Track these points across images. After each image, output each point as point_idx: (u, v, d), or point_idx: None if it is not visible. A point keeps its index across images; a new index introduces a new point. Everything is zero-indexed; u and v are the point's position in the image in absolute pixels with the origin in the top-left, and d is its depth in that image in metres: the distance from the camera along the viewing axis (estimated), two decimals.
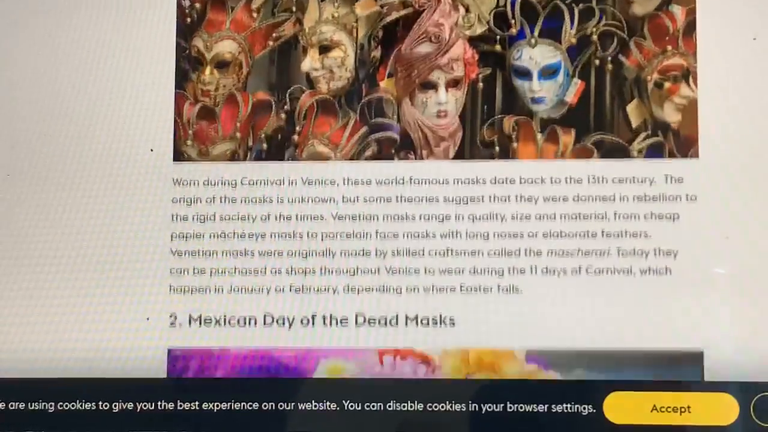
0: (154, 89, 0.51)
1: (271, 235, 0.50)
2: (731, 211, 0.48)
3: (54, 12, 0.52)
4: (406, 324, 0.49)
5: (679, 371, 0.48)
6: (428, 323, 0.49)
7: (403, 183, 0.50)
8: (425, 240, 0.49)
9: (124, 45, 0.51)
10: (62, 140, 0.51)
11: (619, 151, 0.49)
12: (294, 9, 0.52)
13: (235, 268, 0.50)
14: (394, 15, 0.51)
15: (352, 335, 0.49)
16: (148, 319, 0.50)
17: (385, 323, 0.49)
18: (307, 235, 0.50)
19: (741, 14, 0.49)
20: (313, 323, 0.49)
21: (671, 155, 0.49)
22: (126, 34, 0.51)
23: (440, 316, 0.49)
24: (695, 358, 0.48)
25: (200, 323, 0.50)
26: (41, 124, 0.51)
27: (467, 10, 0.51)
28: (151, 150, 0.51)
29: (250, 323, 0.49)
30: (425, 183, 0.50)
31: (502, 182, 0.49)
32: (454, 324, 0.49)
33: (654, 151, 0.49)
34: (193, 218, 0.50)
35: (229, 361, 0.49)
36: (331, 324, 0.49)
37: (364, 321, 0.49)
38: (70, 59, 0.51)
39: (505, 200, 0.49)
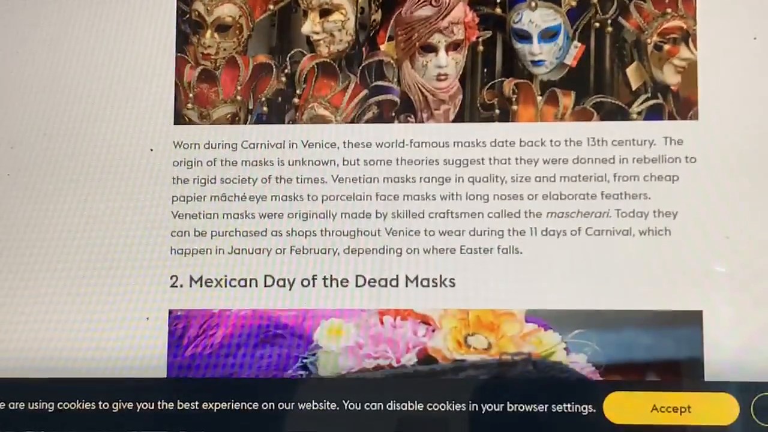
0: (155, 52, 0.51)
1: (271, 198, 0.50)
2: (730, 172, 0.48)
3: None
4: (406, 285, 0.49)
5: (678, 332, 0.48)
6: (428, 284, 0.49)
7: (403, 145, 0.50)
8: (425, 202, 0.49)
9: (124, 8, 0.51)
10: (62, 138, 0.51)
11: (619, 113, 0.50)
12: None
13: (236, 230, 0.50)
14: None
15: (353, 296, 0.49)
16: (147, 318, 0.50)
17: (386, 284, 0.49)
18: (308, 197, 0.50)
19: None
20: (313, 284, 0.49)
21: (671, 117, 0.49)
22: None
23: (440, 276, 0.49)
24: (695, 319, 0.48)
25: (201, 284, 0.50)
26: (42, 123, 0.51)
27: None
28: (151, 150, 0.51)
29: (250, 284, 0.50)
30: (425, 145, 0.50)
31: (502, 144, 0.50)
32: (454, 285, 0.49)
33: (653, 113, 0.49)
34: (194, 181, 0.50)
35: (229, 321, 0.49)
36: (331, 285, 0.49)
37: (365, 282, 0.49)
38: (70, 26, 0.52)
39: (505, 162, 0.49)
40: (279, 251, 0.50)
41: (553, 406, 0.48)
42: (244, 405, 0.49)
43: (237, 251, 0.50)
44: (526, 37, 0.50)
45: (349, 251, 0.49)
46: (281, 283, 0.50)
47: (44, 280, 0.50)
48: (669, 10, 0.50)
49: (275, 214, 0.50)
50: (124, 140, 0.51)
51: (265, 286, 0.50)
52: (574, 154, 0.49)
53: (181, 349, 0.49)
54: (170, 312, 0.50)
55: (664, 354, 0.48)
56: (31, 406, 0.49)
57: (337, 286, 0.49)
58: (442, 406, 0.48)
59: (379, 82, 0.51)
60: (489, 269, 0.49)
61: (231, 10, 0.52)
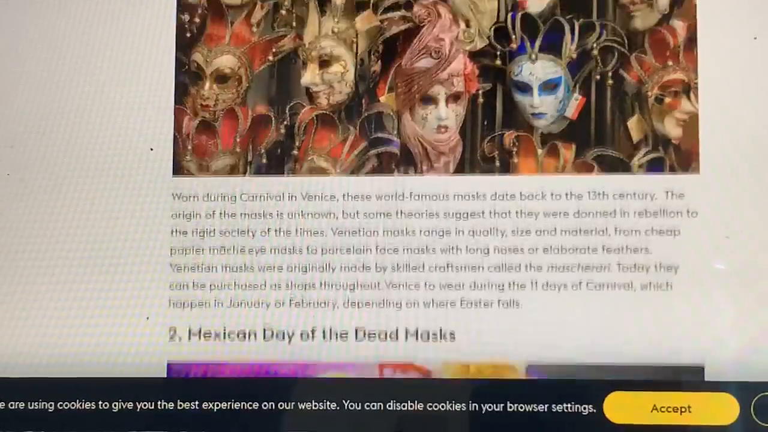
0: (154, 103, 0.51)
1: (271, 250, 0.50)
2: (731, 227, 0.48)
3: (55, 20, 0.52)
4: (406, 338, 0.49)
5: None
6: (428, 337, 0.49)
7: (403, 198, 0.50)
8: (425, 254, 0.49)
9: (124, 59, 0.51)
10: (62, 141, 0.51)
11: (620, 166, 0.49)
12: (294, 23, 0.52)
13: (235, 282, 0.50)
14: (395, 30, 0.51)
15: (352, 349, 0.49)
16: (147, 318, 0.50)
17: (385, 337, 0.49)
18: (307, 250, 0.50)
19: (741, 19, 0.49)
20: (313, 337, 0.49)
21: (672, 170, 0.49)
22: (126, 47, 0.51)
23: (440, 329, 0.49)
24: (696, 373, 0.47)
25: (200, 337, 0.49)
26: (41, 124, 0.51)
27: (467, 25, 0.51)
28: (151, 149, 0.50)
29: (250, 337, 0.49)
30: (425, 198, 0.50)
31: (503, 197, 0.49)
32: (454, 338, 0.49)
33: (655, 166, 0.49)
34: (192, 232, 0.50)
35: (228, 374, 0.49)
36: (331, 338, 0.49)
37: (364, 335, 0.49)
38: (71, 66, 0.51)
39: (506, 215, 0.49)
40: (278, 304, 0.49)
41: (553, 406, 0.48)
42: (244, 405, 0.49)
43: (236, 304, 0.50)
44: (526, 89, 0.50)
45: (348, 304, 0.49)
46: (280, 336, 0.49)
47: (44, 280, 0.50)
48: (670, 63, 0.50)
49: (274, 266, 0.50)
50: (123, 192, 0.50)
51: (264, 339, 0.49)
52: (574, 208, 0.49)
53: None
54: (168, 364, 0.49)
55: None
56: (31, 406, 0.49)
57: (337, 339, 0.49)
58: (442, 406, 0.48)
59: (379, 134, 0.51)
60: (489, 323, 0.49)
61: (230, 61, 0.52)
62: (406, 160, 0.51)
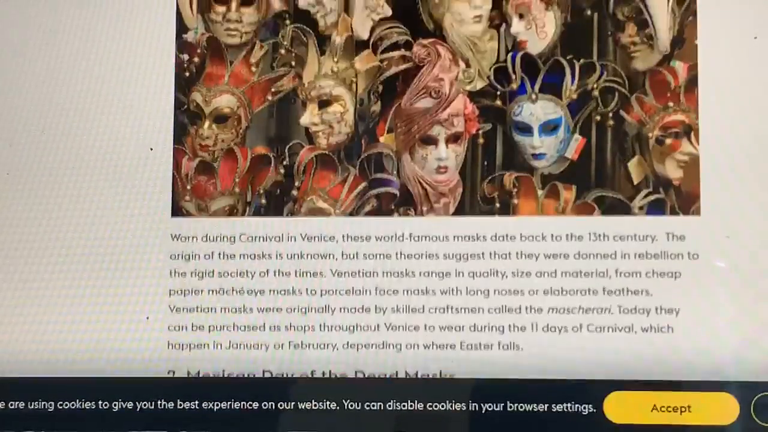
0: (153, 143, 0.51)
1: (270, 291, 0.50)
2: (733, 269, 0.48)
3: (54, 57, 0.52)
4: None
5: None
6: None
7: (403, 239, 0.49)
8: (425, 296, 0.49)
9: (123, 98, 0.51)
10: (60, 140, 0.51)
11: (621, 208, 0.49)
12: (293, 63, 0.51)
13: (234, 325, 0.49)
14: (394, 70, 0.51)
15: None
16: (147, 318, 0.49)
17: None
18: (307, 292, 0.49)
19: (744, 69, 0.49)
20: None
21: (673, 212, 0.49)
22: (124, 88, 0.51)
23: (440, 372, 0.49)
24: None
25: None
26: (40, 122, 0.51)
27: (467, 65, 0.51)
28: (151, 149, 0.50)
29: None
30: (425, 239, 0.49)
31: (503, 239, 0.49)
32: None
33: (655, 208, 0.49)
34: (191, 274, 0.50)
35: None
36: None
37: (364, 377, 0.49)
38: (70, 98, 0.51)
39: (506, 257, 0.49)
40: (277, 346, 0.49)
41: (553, 405, 0.47)
42: (244, 405, 0.48)
43: (235, 346, 0.49)
44: (526, 129, 0.50)
45: (348, 346, 0.49)
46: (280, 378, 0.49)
47: (43, 280, 0.50)
48: (671, 104, 0.50)
49: (274, 308, 0.49)
50: (120, 233, 0.50)
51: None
52: (575, 249, 0.49)
53: None
54: None
55: None
56: (31, 406, 0.49)
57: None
58: (442, 406, 0.48)
59: (379, 174, 0.51)
60: (489, 365, 0.48)
61: (229, 101, 0.51)
62: (405, 201, 0.50)
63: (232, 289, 0.50)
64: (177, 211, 0.51)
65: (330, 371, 0.49)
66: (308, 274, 0.49)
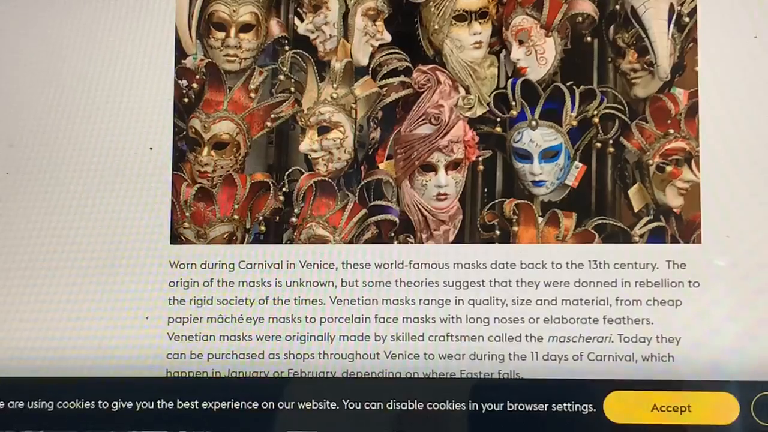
0: (151, 170, 0.50)
1: (269, 319, 0.49)
2: (734, 297, 0.48)
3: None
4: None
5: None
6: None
7: (402, 267, 0.49)
8: (425, 325, 0.49)
9: (123, 120, 0.51)
10: (61, 141, 0.51)
11: (621, 236, 0.49)
12: (292, 89, 0.51)
13: (233, 353, 0.49)
14: (393, 96, 0.51)
15: None
16: (147, 318, 0.49)
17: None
18: (306, 320, 0.49)
19: (743, 101, 0.49)
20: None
21: (674, 240, 0.49)
22: (124, 114, 0.51)
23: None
24: None
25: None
26: (41, 123, 0.51)
27: (467, 92, 0.50)
28: (150, 148, 0.50)
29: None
30: (425, 267, 0.49)
31: (503, 266, 0.49)
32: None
33: (656, 236, 0.49)
34: (190, 302, 0.50)
35: None
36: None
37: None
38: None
39: (506, 285, 0.49)
40: (276, 375, 0.49)
41: (553, 405, 0.47)
42: (244, 405, 0.48)
43: (234, 374, 0.49)
44: (526, 156, 0.50)
45: (347, 374, 0.49)
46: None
47: (43, 280, 0.50)
48: (671, 131, 0.49)
49: (273, 336, 0.49)
50: (118, 256, 0.50)
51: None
52: (575, 277, 0.49)
53: None
54: None
55: None
56: (31, 405, 0.49)
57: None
58: (442, 406, 0.47)
59: (378, 202, 0.51)
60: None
61: (228, 127, 0.51)
62: (405, 228, 0.50)
63: (231, 317, 0.49)
64: (176, 238, 0.50)
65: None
66: (307, 301, 0.49)
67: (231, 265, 0.50)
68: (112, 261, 0.50)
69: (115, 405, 0.49)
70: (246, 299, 0.50)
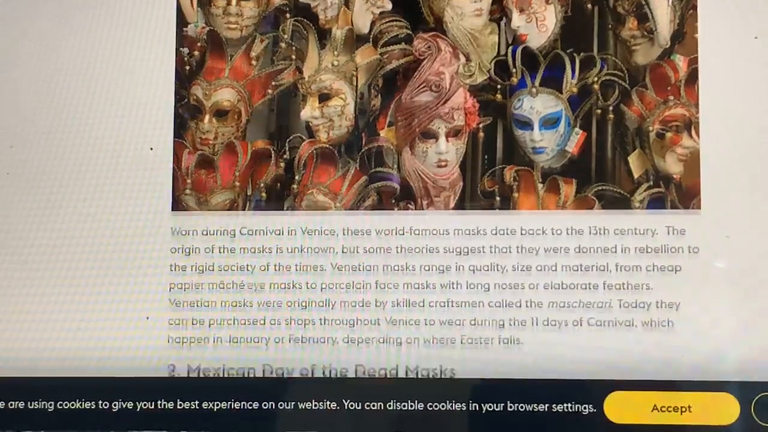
0: (153, 138, 0.51)
1: (270, 286, 0.49)
2: (733, 263, 0.48)
3: (52, 44, 0.52)
4: (406, 375, 0.49)
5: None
6: (428, 375, 0.48)
7: (403, 233, 0.49)
8: (425, 291, 0.49)
9: (124, 91, 0.51)
10: (61, 140, 0.51)
11: (621, 203, 0.49)
12: (293, 57, 0.51)
13: (234, 319, 0.49)
14: (394, 63, 0.51)
15: None
16: (147, 318, 0.49)
17: (385, 375, 0.49)
18: (307, 286, 0.49)
19: (745, 65, 0.49)
20: (312, 375, 0.49)
21: (673, 207, 0.49)
22: (125, 81, 0.51)
23: (440, 367, 0.49)
24: None
25: (199, 374, 0.49)
26: (41, 123, 0.51)
27: (468, 59, 0.50)
28: (151, 149, 0.50)
29: (248, 374, 0.49)
30: (425, 234, 0.49)
31: (503, 233, 0.49)
32: (454, 376, 0.48)
33: (656, 203, 0.49)
34: (191, 268, 0.50)
35: None
36: (330, 376, 0.49)
37: (364, 373, 0.49)
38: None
39: (506, 251, 0.49)
40: (278, 341, 0.49)
41: (553, 406, 0.47)
42: (244, 405, 0.48)
43: (235, 341, 0.49)
44: (527, 123, 0.50)
45: (348, 341, 0.49)
46: (280, 373, 0.49)
47: (43, 280, 0.50)
48: (671, 98, 0.50)
49: (274, 302, 0.49)
50: (122, 228, 0.50)
51: (264, 376, 0.49)
52: (575, 244, 0.49)
53: None
54: None
55: None
56: (31, 405, 0.49)
57: (337, 376, 0.49)
58: (442, 406, 0.48)
59: (379, 169, 0.51)
60: (489, 360, 0.48)
61: (229, 95, 0.51)
62: (406, 195, 0.50)
63: (232, 283, 0.50)
64: (177, 205, 0.50)
65: (330, 366, 0.49)
66: (308, 268, 0.49)
67: (232, 232, 0.50)
68: (112, 254, 0.50)
69: (115, 405, 0.49)
70: (247, 266, 0.50)
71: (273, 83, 0.51)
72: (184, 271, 0.50)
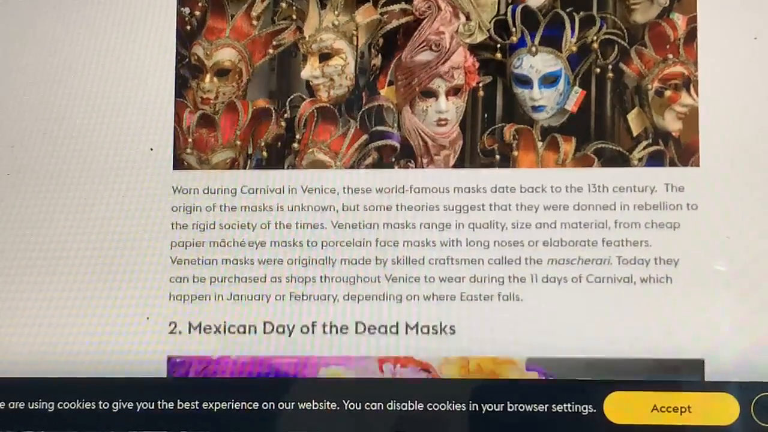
0: (154, 97, 0.51)
1: (271, 243, 0.50)
2: (732, 219, 0.48)
3: (55, 17, 0.52)
4: (407, 332, 0.49)
5: (679, 378, 0.48)
6: (428, 331, 0.49)
7: (404, 191, 0.50)
8: (425, 248, 0.49)
9: (124, 52, 0.51)
10: (62, 141, 0.51)
11: (620, 160, 0.49)
12: (294, 17, 0.51)
13: (235, 276, 0.50)
14: (395, 23, 0.51)
15: (352, 343, 0.49)
16: (148, 318, 0.50)
17: (385, 331, 0.49)
18: (307, 243, 0.50)
19: (742, 20, 0.49)
20: (313, 331, 0.49)
21: (672, 164, 0.49)
22: (126, 41, 0.51)
23: (440, 324, 0.49)
24: (696, 367, 0.47)
25: (200, 331, 0.49)
26: (42, 123, 0.51)
27: (468, 18, 0.51)
28: (151, 149, 0.50)
29: (249, 331, 0.49)
30: (425, 191, 0.50)
31: (503, 190, 0.49)
32: (454, 332, 0.49)
33: (655, 160, 0.49)
34: (192, 226, 0.50)
35: (228, 368, 0.49)
36: (331, 332, 0.49)
37: (364, 329, 0.49)
38: (71, 64, 0.51)
39: (506, 209, 0.49)
40: (278, 298, 0.49)
41: (553, 406, 0.48)
42: (244, 405, 0.49)
43: (236, 297, 0.50)
44: (526, 82, 0.50)
45: (348, 298, 0.49)
46: (280, 329, 0.49)
47: (44, 280, 0.50)
48: (670, 56, 0.50)
49: (274, 260, 0.50)
50: (123, 186, 0.50)
51: (264, 332, 0.49)
52: (574, 201, 0.49)
53: None
54: (169, 358, 0.49)
55: None
56: (31, 406, 0.49)
57: (337, 333, 0.49)
58: (442, 406, 0.48)
59: (379, 127, 0.51)
60: (489, 317, 0.49)
61: (230, 55, 0.51)
62: (406, 154, 0.51)
63: (233, 241, 0.50)
64: (178, 164, 0.51)
65: (330, 322, 0.49)
66: (309, 226, 0.50)
67: (233, 191, 0.50)
68: (113, 252, 0.50)
69: (115, 405, 0.49)
70: (248, 223, 0.50)
71: (274, 43, 0.52)
72: (185, 229, 0.50)
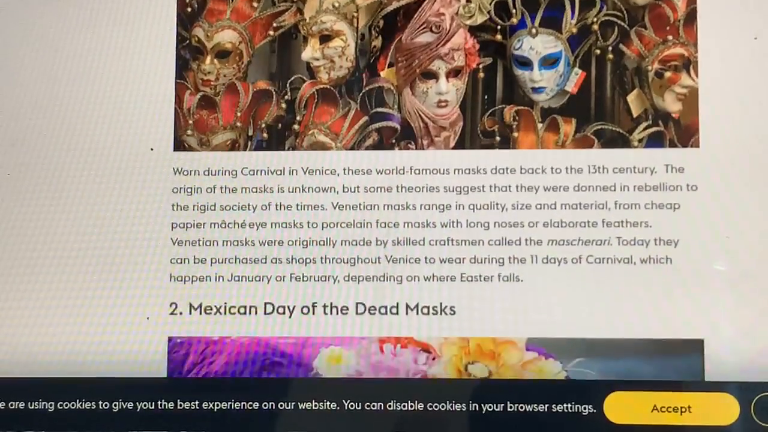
0: (155, 79, 0.51)
1: (271, 225, 0.50)
2: (732, 200, 0.48)
3: (56, 7, 0.52)
4: (407, 313, 0.49)
5: (679, 361, 0.48)
6: (428, 312, 0.49)
7: (404, 172, 0.50)
8: (426, 229, 0.49)
9: (125, 35, 0.51)
10: (62, 133, 0.51)
11: (620, 141, 0.49)
12: None
13: (236, 257, 0.50)
14: (395, 4, 0.51)
15: (353, 324, 0.49)
16: (148, 318, 0.50)
17: (386, 312, 0.49)
18: (308, 225, 0.50)
19: (742, 5, 0.49)
20: (313, 312, 0.49)
21: (672, 145, 0.49)
22: (126, 23, 0.51)
23: (440, 304, 0.49)
24: (696, 347, 0.47)
25: (201, 312, 0.50)
26: (41, 122, 0.51)
27: (468, 0, 0.51)
28: (151, 149, 0.50)
29: (250, 312, 0.49)
30: (426, 172, 0.50)
31: (503, 172, 0.49)
32: (454, 313, 0.49)
33: (655, 141, 0.49)
34: (193, 207, 0.50)
35: (229, 349, 0.49)
36: (331, 312, 0.49)
37: (365, 310, 0.49)
38: (71, 48, 0.51)
39: (506, 190, 0.49)
40: (279, 279, 0.49)
41: (553, 406, 0.48)
42: (244, 405, 0.49)
43: (237, 278, 0.50)
44: (526, 63, 0.50)
45: (349, 279, 0.49)
46: (281, 310, 0.49)
47: (44, 280, 0.50)
48: (670, 37, 0.50)
49: (275, 241, 0.50)
50: (123, 168, 0.50)
51: (265, 313, 0.49)
52: (574, 182, 0.49)
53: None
54: (170, 339, 0.49)
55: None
56: (31, 406, 0.49)
57: (337, 313, 0.49)
58: (442, 406, 0.48)
59: (380, 109, 0.51)
60: (489, 297, 0.49)
61: (231, 36, 0.52)
62: (406, 135, 0.51)
63: (233, 222, 0.50)
64: (179, 145, 0.51)
65: (331, 303, 0.49)
66: (309, 207, 0.50)
67: (234, 172, 0.50)
68: (114, 248, 0.50)
69: (115, 405, 0.49)
70: (248, 205, 0.50)
71: (274, 24, 0.52)
72: (186, 210, 0.50)
